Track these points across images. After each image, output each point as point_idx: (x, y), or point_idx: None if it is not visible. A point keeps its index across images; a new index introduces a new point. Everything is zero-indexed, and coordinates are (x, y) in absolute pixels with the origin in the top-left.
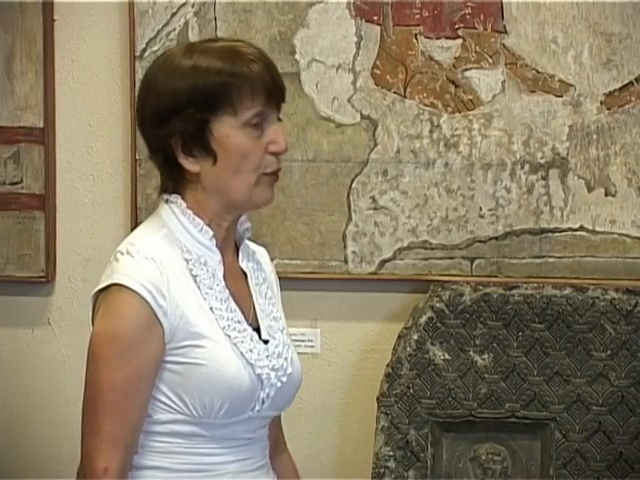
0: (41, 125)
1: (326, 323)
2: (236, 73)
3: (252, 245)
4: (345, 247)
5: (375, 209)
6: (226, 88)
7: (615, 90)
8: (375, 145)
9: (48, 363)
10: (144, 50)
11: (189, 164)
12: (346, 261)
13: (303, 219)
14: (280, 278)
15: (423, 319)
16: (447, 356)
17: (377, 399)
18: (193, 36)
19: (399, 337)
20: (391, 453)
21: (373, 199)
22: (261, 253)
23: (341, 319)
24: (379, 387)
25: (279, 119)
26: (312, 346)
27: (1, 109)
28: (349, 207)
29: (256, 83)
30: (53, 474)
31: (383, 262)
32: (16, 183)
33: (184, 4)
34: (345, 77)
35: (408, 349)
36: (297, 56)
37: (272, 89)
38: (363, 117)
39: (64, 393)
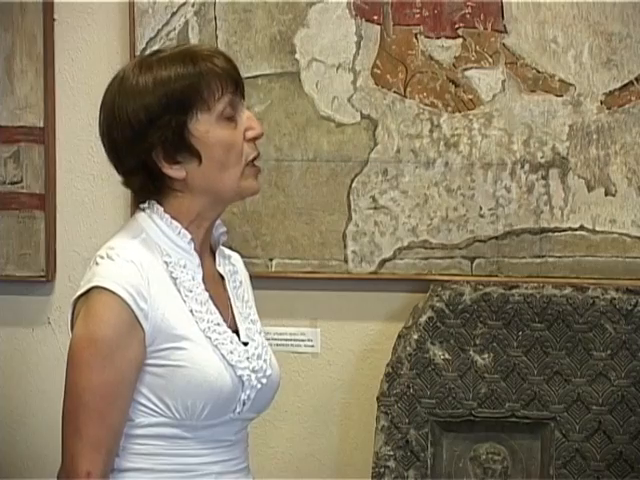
0: (41, 125)
1: (326, 323)
2: (201, 71)
3: (225, 250)
4: (345, 247)
5: (375, 209)
6: (195, 87)
7: (615, 90)
8: (375, 145)
9: (48, 363)
10: (144, 50)
11: (175, 172)
12: (346, 261)
13: (303, 219)
14: (280, 278)
15: (423, 319)
16: (447, 356)
17: (377, 399)
18: (193, 36)
19: (399, 337)
20: (391, 453)
21: (373, 199)
22: (235, 258)
23: (341, 319)
24: (379, 387)
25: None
26: (312, 346)
27: (1, 109)
28: (349, 207)
29: (221, 75)
30: (52, 474)
31: (383, 262)
32: (16, 183)
33: (184, 4)
34: (345, 77)
35: (408, 349)
36: (297, 55)
37: (236, 78)
38: (363, 117)
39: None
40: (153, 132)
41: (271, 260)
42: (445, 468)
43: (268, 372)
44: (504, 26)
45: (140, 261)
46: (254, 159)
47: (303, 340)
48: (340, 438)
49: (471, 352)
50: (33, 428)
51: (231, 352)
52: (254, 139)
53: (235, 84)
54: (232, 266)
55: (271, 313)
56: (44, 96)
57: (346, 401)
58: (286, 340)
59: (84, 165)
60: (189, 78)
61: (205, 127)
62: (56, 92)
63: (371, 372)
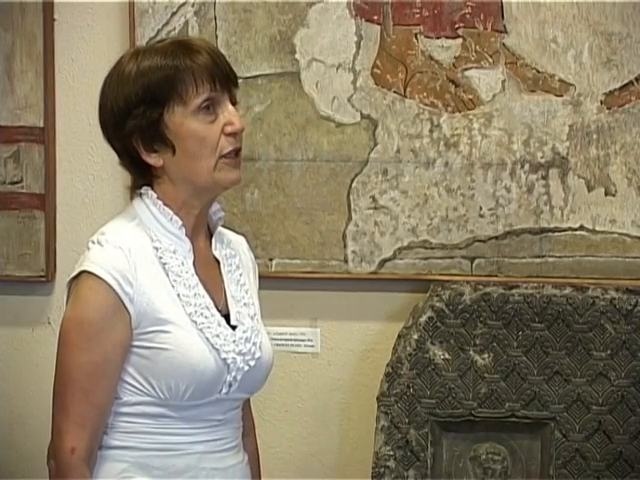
0: (41, 125)
1: (326, 323)
2: (177, 65)
3: (229, 234)
4: (345, 247)
5: (375, 208)
6: (169, 81)
7: (615, 89)
8: (375, 144)
9: (48, 363)
10: None
11: (152, 159)
12: (346, 261)
13: (303, 219)
14: (280, 278)
15: (423, 319)
16: (447, 356)
17: (377, 399)
18: (193, 36)
19: (399, 337)
20: (391, 453)
21: (373, 198)
22: (239, 241)
23: (341, 319)
24: (379, 387)
25: (234, 103)
26: (312, 346)
27: (1, 108)
28: (349, 206)
29: (199, 72)
30: None
31: (383, 262)
32: (16, 182)
33: (184, 4)
34: (345, 76)
35: (408, 349)
36: (297, 55)
37: (218, 75)
38: (363, 116)
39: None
40: (130, 120)
41: (271, 260)
42: (445, 468)
43: (257, 355)
44: (504, 26)
45: (128, 247)
46: (232, 152)
47: (303, 340)
48: (340, 438)
49: (471, 352)
50: (33, 428)
51: (217, 335)
52: (233, 134)
53: (214, 81)
54: (230, 250)
55: (271, 313)
56: (44, 96)
57: (346, 401)
58: (286, 340)
59: (84, 165)
60: (165, 71)
61: (180, 120)
62: (56, 92)
63: (371, 372)
